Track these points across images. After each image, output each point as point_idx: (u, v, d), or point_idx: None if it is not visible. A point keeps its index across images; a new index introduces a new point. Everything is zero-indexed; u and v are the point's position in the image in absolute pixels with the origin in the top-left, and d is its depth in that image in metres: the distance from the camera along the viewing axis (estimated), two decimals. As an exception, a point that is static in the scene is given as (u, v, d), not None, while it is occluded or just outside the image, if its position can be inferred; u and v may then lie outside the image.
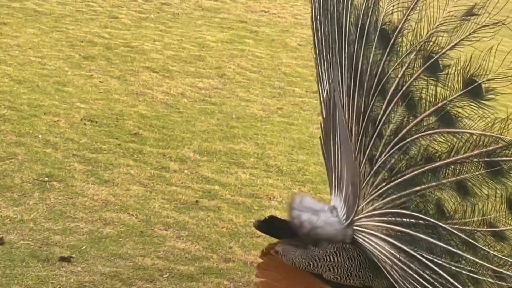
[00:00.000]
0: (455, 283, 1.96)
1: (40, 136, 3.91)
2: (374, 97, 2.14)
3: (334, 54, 2.27)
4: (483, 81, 1.95)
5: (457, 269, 1.98)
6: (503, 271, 1.94)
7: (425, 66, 2.05)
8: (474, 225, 2.01)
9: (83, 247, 2.78)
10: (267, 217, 2.39)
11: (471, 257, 1.99)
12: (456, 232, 2.01)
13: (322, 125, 2.41)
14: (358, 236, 2.18)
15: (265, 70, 5.86)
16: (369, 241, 2.14)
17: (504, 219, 1.97)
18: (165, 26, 6.57)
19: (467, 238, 1.99)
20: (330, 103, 2.31)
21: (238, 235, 3.10)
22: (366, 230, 2.17)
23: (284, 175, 3.94)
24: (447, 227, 2.01)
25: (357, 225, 2.18)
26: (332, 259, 2.20)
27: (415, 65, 2.09)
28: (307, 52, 6.34)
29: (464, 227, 2.01)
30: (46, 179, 3.40)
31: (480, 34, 1.99)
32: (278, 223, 2.33)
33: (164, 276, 2.72)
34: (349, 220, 2.18)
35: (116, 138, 4.03)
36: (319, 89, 2.47)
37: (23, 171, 3.44)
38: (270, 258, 2.31)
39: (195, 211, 3.31)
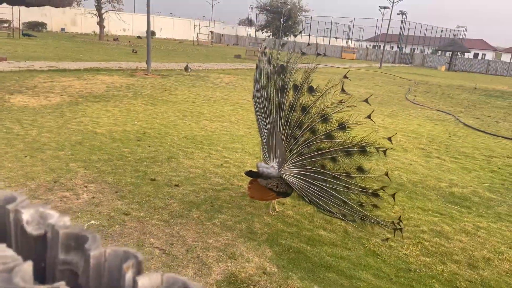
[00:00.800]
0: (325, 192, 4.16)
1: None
2: (293, 128, 4.29)
3: (271, 112, 4.37)
4: (348, 124, 4.09)
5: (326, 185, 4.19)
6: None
7: (319, 120, 4.17)
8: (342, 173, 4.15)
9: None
10: (249, 170, 4.34)
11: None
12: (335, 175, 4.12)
13: (264, 141, 4.52)
14: (283, 175, 4.39)
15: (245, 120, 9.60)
16: (287, 177, 4.35)
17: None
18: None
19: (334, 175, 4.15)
20: (271, 131, 4.39)
21: (236, 177, 6.28)
22: (286, 173, 4.37)
23: (251, 155, 7.20)
24: (329, 172, 4.13)
25: (283, 172, 4.41)
26: (276, 182, 4.37)
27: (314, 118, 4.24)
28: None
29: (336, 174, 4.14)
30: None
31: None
32: (252, 173, 4.38)
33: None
34: (279, 170, 4.45)
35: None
36: (260, 133, 4.62)
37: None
38: (253, 184, 4.51)
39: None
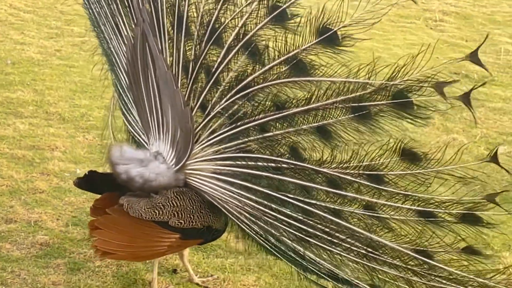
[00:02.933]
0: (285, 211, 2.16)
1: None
2: (207, 46, 2.27)
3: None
4: (339, 28, 2.04)
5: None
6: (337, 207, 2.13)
7: (270, 16, 2.15)
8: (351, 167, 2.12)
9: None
10: (86, 173, 2.36)
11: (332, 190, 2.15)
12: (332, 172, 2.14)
13: (128, 70, 2.32)
14: (192, 179, 2.27)
15: (40, 9, 5.77)
16: (208, 183, 2.24)
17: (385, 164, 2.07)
18: None
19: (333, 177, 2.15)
20: (137, 49, 2.18)
21: (20, 192, 3.07)
22: (203, 173, 2.26)
23: (66, 122, 3.83)
24: (316, 168, 2.16)
25: (191, 169, 2.26)
26: (175, 204, 2.24)
27: (259, 14, 2.18)
28: None
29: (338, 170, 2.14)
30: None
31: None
32: (100, 178, 2.32)
33: None
34: (180, 165, 2.23)
35: None
36: (109, 32, 2.52)
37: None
38: (106, 218, 2.23)
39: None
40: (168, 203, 2.26)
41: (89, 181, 2.35)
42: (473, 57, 1.96)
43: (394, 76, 2.01)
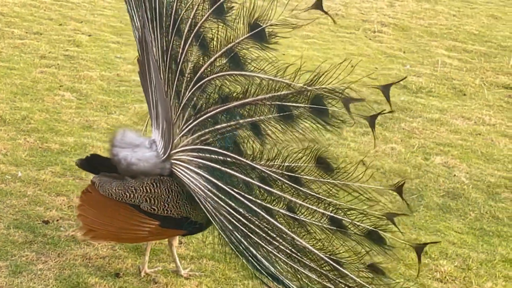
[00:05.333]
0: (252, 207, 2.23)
1: None
2: (172, 36, 2.35)
3: None
4: (267, 26, 2.11)
5: (256, 199, 2.25)
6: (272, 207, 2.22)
7: (212, 9, 2.24)
8: (272, 165, 2.22)
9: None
10: (89, 155, 2.58)
11: (265, 189, 2.25)
12: (259, 167, 2.23)
13: (140, 64, 2.53)
14: (175, 169, 2.38)
15: None
16: (186, 174, 2.35)
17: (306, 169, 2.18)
18: None
19: (263, 174, 2.24)
20: (143, 41, 2.42)
21: None
22: (182, 163, 2.37)
23: (7, 124, 3.80)
24: (248, 162, 2.25)
25: (174, 159, 2.38)
26: (148, 190, 2.37)
27: (203, 7, 2.28)
28: None
29: (262, 166, 2.23)
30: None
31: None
32: (99, 160, 2.52)
33: None
34: (166, 154, 2.38)
35: None
36: (133, 27, 2.61)
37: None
38: (87, 195, 2.44)
39: None
40: (141, 188, 2.38)
41: (90, 163, 2.53)
42: (385, 88, 2.09)
43: (313, 82, 2.10)
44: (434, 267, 2.86)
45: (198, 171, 2.35)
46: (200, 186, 2.35)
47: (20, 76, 4.59)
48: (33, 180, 3.33)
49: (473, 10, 7.03)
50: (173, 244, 2.68)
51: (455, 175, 3.75)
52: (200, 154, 2.37)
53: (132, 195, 2.40)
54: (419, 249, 2.14)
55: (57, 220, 3.01)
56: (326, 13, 2.19)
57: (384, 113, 2.16)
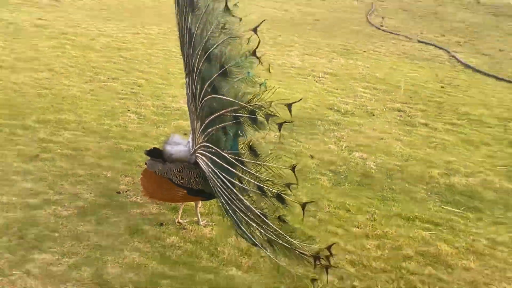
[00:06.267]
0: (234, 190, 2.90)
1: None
2: (185, 49, 3.04)
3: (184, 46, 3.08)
4: (229, 66, 2.83)
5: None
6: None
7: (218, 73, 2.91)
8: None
9: None
10: (151, 148, 3.42)
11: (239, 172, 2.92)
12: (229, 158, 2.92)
13: (187, 91, 3.21)
14: (198, 159, 3.16)
15: (80, 65, 6.95)
16: (202, 162, 3.11)
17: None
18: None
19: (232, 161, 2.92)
20: (187, 85, 3.16)
21: (67, 176, 3.87)
22: (200, 155, 3.13)
23: (95, 134, 4.78)
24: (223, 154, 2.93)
25: (197, 153, 3.16)
26: (179, 170, 3.23)
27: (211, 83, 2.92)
28: (107, 52, 7.70)
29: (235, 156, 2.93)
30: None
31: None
32: (157, 151, 3.36)
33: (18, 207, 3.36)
34: (193, 150, 3.22)
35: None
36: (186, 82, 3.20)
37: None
38: (144, 171, 3.41)
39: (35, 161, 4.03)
40: (174, 169, 3.24)
41: (151, 152, 3.36)
42: (289, 106, 2.61)
43: (250, 101, 2.80)
44: (353, 219, 3.65)
45: (205, 159, 3.09)
46: (206, 170, 3.07)
47: (104, 104, 5.54)
48: (111, 167, 4.12)
49: (380, 64, 8.80)
50: (197, 205, 3.49)
51: (367, 163, 4.68)
52: (204, 148, 3.09)
53: (168, 172, 3.26)
54: (303, 205, 2.83)
55: (126, 192, 3.76)
56: (258, 59, 2.76)
57: (287, 122, 2.76)
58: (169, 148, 3.28)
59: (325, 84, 7.08)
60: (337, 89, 6.87)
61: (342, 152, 4.84)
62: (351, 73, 7.76)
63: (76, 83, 6.00)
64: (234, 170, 2.93)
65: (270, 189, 2.85)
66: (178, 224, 3.43)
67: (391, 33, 11.24)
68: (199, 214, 3.48)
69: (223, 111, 2.89)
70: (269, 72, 3.74)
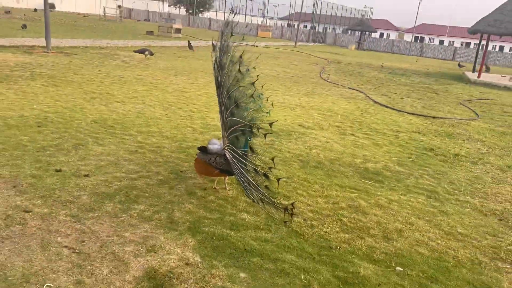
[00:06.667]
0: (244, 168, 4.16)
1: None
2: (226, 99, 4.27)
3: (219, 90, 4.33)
4: (241, 102, 4.23)
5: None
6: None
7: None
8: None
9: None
10: (201, 146, 4.50)
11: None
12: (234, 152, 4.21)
13: (220, 115, 4.44)
14: (226, 152, 4.32)
15: (160, 100, 9.60)
16: (227, 153, 4.27)
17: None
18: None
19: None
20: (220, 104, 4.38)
21: (152, 163, 5.65)
22: (226, 151, 4.30)
23: (168, 139, 6.81)
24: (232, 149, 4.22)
25: (225, 149, 4.35)
26: (215, 158, 4.35)
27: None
28: (175, 93, 10.73)
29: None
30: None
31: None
32: (203, 148, 4.49)
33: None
34: (222, 147, 4.44)
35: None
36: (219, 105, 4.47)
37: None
38: (196, 159, 4.58)
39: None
40: (212, 158, 4.31)
41: (201, 148, 4.40)
42: (270, 124, 3.94)
43: (250, 120, 4.15)
44: (311, 187, 5.31)
45: (227, 151, 4.22)
46: (229, 157, 4.19)
47: (173, 122, 7.72)
48: (177, 157, 5.65)
49: (327, 100, 12.55)
50: (225, 179, 4.79)
51: (320, 156, 6.69)
52: (228, 147, 4.20)
53: (208, 159, 4.36)
54: (278, 180, 4.22)
55: (185, 171, 5.18)
56: (267, 98, 4.54)
57: (269, 133, 4.11)
58: (210, 146, 4.51)
59: (296, 111, 10.21)
60: (303, 114, 9.90)
61: (306, 149, 6.98)
62: (311, 105, 11.06)
63: (158, 111, 8.49)
64: (242, 160, 4.17)
65: (261, 171, 4.15)
66: (214, 189, 4.79)
67: (333, 83, 16.23)
68: (226, 184, 4.89)
69: (235, 126, 4.21)
70: (271, 105, 5.98)
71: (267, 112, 4.35)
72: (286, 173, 5.71)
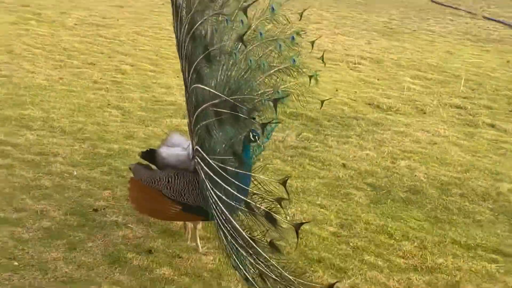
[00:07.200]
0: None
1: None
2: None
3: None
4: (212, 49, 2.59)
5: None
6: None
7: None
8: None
9: None
10: (148, 149, 3.07)
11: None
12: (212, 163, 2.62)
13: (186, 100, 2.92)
14: (196, 166, 2.73)
15: (47, 46, 6.49)
16: (199, 170, 2.70)
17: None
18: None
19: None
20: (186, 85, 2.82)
21: (29, 189, 3.49)
22: (197, 161, 2.74)
23: (66, 134, 4.37)
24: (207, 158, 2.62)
25: (195, 159, 2.76)
26: (169, 181, 2.80)
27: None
28: (82, 30, 7.19)
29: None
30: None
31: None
32: (153, 153, 2.98)
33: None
34: (191, 155, 2.84)
35: None
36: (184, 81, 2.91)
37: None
38: (131, 179, 3.03)
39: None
40: (164, 178, 2.80)
41: (147, 154, 3.00)
42: (274, 102, 2.41)
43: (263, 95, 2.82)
44: (397, 247, 3.23)
45: (199, 165, 2.69)
46: (202, 175, 2.63)
47: (77, 97, 5.10)
48: (85, 177, 3.71)
49: (433, 47, 7.88)
50: (196, 227, 3.01)
51: (416, 175, 4.07)
52: (197, 152, 2.71)
53: (156, 182, 2.80)
54: (298, 227, 2.35)
55: (104, 209, 3.35)
56: (312, 43, 2.96)
57: (272, 122, 2.65)
58: (165, 151, 2.88)
59: (362, 72, 6.19)
60: (377, 79, 6.00)
61: (383, 160, 4.25)
62: (396, 58, 6.77)
63: (42, 69, 5.53)
64: (219, 180, 2.56)
65: (258, 205, 2.51)
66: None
67: (449, 7, 9.60)
68: (198, 239, 3.05)
69: (205, 105, 2.55)
70: (323, 62, 3.29)
71: (310, 76, 3.01)
72: (340, 214, 3.53)
